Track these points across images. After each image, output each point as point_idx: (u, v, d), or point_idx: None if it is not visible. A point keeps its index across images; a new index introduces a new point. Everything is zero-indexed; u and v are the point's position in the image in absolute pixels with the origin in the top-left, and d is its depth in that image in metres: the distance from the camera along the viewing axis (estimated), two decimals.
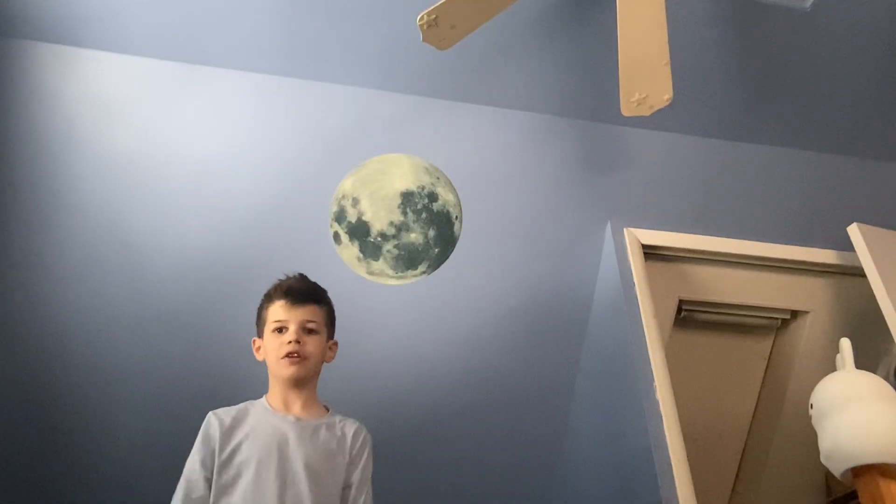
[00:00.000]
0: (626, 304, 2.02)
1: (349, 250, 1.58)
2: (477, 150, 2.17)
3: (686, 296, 2.34)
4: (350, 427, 1.57)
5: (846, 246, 2.14)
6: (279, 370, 1.52)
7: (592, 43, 2.00)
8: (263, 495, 1.37)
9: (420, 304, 2.19)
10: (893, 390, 1.85)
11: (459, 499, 2.33)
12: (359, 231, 1.53)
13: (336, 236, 1.61)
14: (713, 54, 2.07)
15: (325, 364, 1.62)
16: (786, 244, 2.27)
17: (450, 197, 1.60)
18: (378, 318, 2.17)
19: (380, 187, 1.55)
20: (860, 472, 1.75)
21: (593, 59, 2.04)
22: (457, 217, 1.63)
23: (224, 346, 2.05)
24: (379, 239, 1.53)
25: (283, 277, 1.64)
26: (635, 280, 2.06)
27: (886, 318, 1.94)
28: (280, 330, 1.55)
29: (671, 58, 1.67)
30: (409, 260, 1.62)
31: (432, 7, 1.61)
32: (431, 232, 1.57)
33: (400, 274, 1.83)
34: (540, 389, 2.30)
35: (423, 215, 1.59)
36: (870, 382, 1.87)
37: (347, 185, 1.56)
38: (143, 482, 2.11)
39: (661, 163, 2.27)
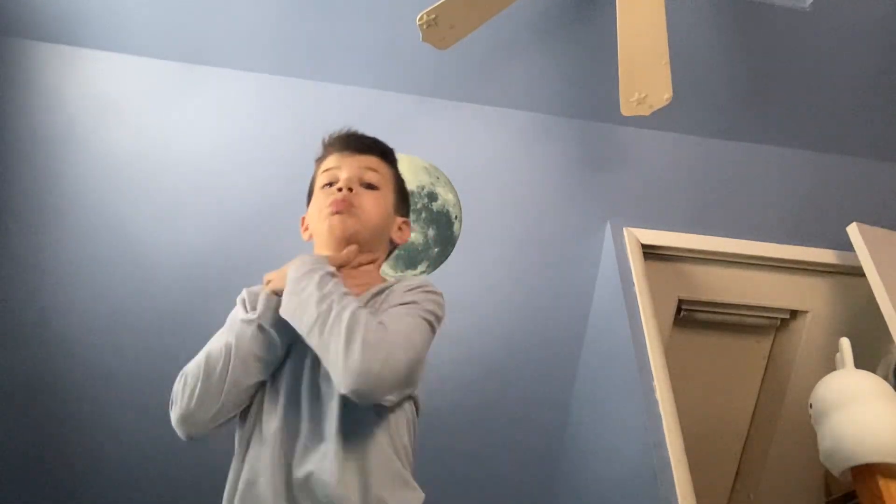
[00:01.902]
0: (625, 304, 2.02)
1: None
2: (476, 149, 2.18)
3: (685, 295, 2.34)
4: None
5: (846, 246, 2.14)
6: (321, 224, 1.15)
7: (592, 42, 2.00)
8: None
9: None
10: (893, 390, 1.85)
11: (458, 498, 2.33)
12: None
13: None
14: (713, 54, 2.07)
15: None
16: (785, 244, 2.27)
17: (449, 196, 1.60)
18: None
19: None
20: (859, 471, 1.75)
21: (593, 59, 2.05)
22: (456, 217, 1.63)
23: None
24: None
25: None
26: (635, 279, 2.06)
27: (886, 318, 1.94)
28: (330, 184, 1.19)
29: (671, 57, 1.67)
30: (408, 259, 1.63)
31: (432, 7, 1.61)
32: (431, 231, 1.58)
33: (400, 273, 1.83)
34: (539, 389, 2.30)
35: (423, 215, 1.60)
36: (869, 382, 1.87)
37: None
38: (144, 481, 2.11)
39: (661, 162, 2.27)
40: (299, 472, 0.97)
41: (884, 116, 2.26)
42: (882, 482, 1.70)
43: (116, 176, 2.03)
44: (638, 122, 2.15)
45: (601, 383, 2.15)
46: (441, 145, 2.14)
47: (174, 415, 1.00)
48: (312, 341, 0.95)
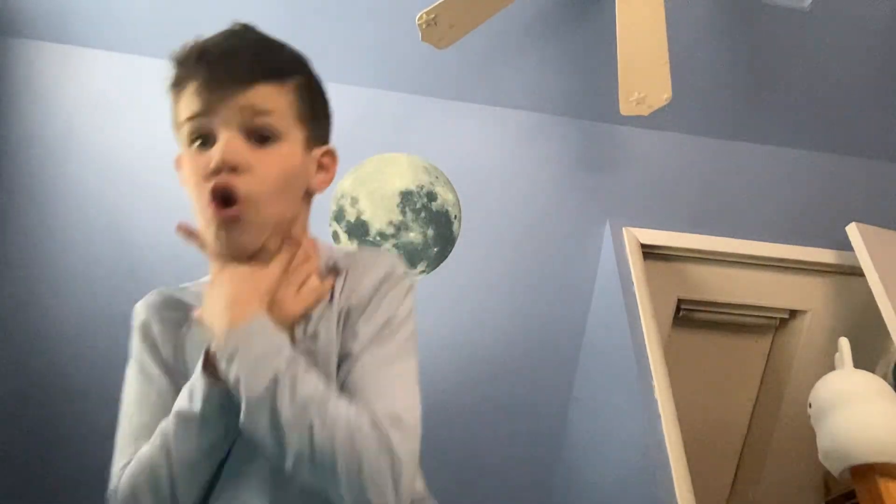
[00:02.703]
0: (624, 304, 2.02)
1: None
2: (476, 149, 2.18)
3: (685, 295, 2.34)
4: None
5: (845, 245, 2.14)
6: (205, 229, 0.81)
7: (591, 42, 2.00)
8: None
9: (418, 303, 2.19)
10: (892, 389, 1.85)
11: (457, 498, 2.33)
12: (358, 230, 1.54)
13: (335, 235, 1.61)
14: (712, 54, 2.07)
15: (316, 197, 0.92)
16: (785, 244, 2.27)
17: (449, 196, 1.60)
18: None
19: (379, 186, 1.55)
20: (859, 471, 1.75)
21: (592, 59, 2.04)
22: (456, 216, 1.63)
23: None
24: (378, 238, 1.53)
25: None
26: (634, 279, 2.06)
27: (885, 318, 1.94)
28: (202, 140, 0.81)
29: (670, 57, 1.67)
30: (408, 259, 1.63)
31: (431, 6, 1.61)
32: (430, 231, 1.58)
33: None
34: (538, 389, 2.30)
35: (422, 214, 1.60)
36: (869, 381, 1.87)
37: (346, 184, 1.56)
38: None
39: (660, 162, 2.27)
40: None
41: (883, 116, 2.26)
42: (881, 482, 1.70)
43: (115, 175, 2.03)
44: (637, 121, 2.15)
45: (600, 383, 2.15)
46: (440, 145, 2.13)
47: None
48: (296, 473, 0.74)
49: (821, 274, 2.33)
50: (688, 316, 2.40)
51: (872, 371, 2.01)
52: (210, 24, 1.99)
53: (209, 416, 0.77)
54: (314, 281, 0.85)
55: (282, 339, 0.77)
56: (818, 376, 1.98)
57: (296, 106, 0.86)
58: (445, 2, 1.60)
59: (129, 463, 0.83)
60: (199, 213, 0.81)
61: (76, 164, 2.01)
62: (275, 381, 0.73)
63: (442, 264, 1.73)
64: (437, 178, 1.60)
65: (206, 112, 0.80)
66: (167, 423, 0.80)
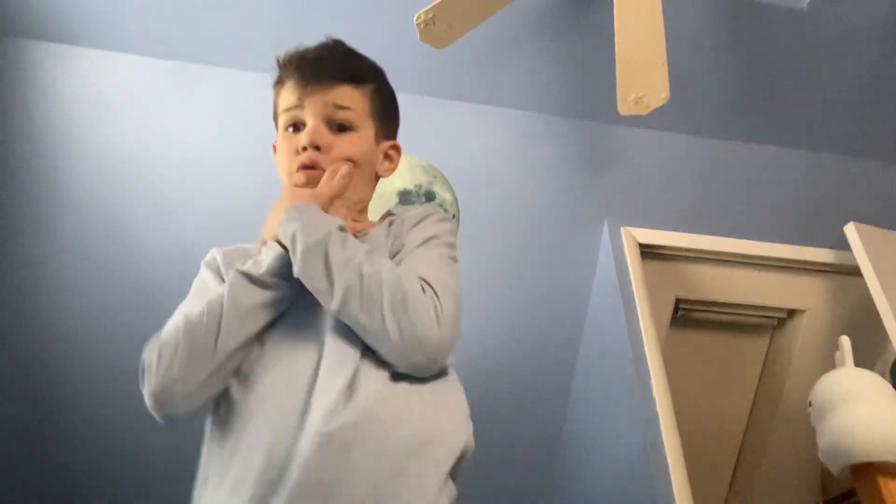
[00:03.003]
0: (622, 303, 2.02)
1: None
2: (474, 149, 2.18)
3: (683, 295, 2.34)
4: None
5: (843, 245, 2.15)
6: (291, 188, 1.01)
7: (589, 42, 2.00)
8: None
9: None
10: (892, 388, 1.86)
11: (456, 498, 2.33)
12: None
13: None
14: (710, 54, 2.07)
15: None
16: (782, 243, 2.28)
17: (447, 196, 1.60)
18: None
19: (378, 186, 1.55)
20: (859, 469, 1.75)
21: (590, 59, 2.05)
22: (454, 216, 1.63)
23: None
24: None
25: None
26: (632, 279, 2.07)
27: (882, 317, 1.95)
28: (295, 128, 1.04)
29: (668, 57, 1.67)
30: None
31: (429, 6, 1.61)
32: None
33: None
34: (536, 388, 2.30)
35: None
36: (869, 380, 1.87)
37: None
38: (142, 480, 2.10)
39: (658, 162, 2.27)
40: (331, 424, 0.78)
41: (881, 116, 2.27)
42: (882, 480, 1.70)
43: (115, 175, 2.03)
44: (635, 121, 2.15)
45: (598, 382, 2.15)
46: (438, 144, 2.13)
47: (149, 389, 0.83)
48: (347, 312, 0.83)
49: (819, 274, 2.34)
50: (686, 315, 2.41)
51: (871, 370, 2.01)
52: (209, 23, 1.99)
53: (271, 275, 0.88)
54: (337, 178, 0.98)
55: (335, 219, 0.90)
56: (816, 376, 1.98)
57: (369, 106, 1.08)
58: (443, 2, 1.60)
59: (157, 336, 0.88)
60: (283, 179, 1.04)
61: (76, 164, 2.01)
62: (328, 234, 0.86)
63: None
64: (435, 177, 1.60)
65: (299, 105, 1.02)
66: (226, 283, 0.89)
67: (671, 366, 1.99)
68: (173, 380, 0.83)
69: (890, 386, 1.85)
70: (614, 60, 1.70)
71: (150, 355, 0.85)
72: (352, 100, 1.04)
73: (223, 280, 0.96)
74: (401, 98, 2.12)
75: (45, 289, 2.03)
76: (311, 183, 0.98)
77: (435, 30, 1.65)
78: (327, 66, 1.03)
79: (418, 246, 0.97)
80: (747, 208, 2.32)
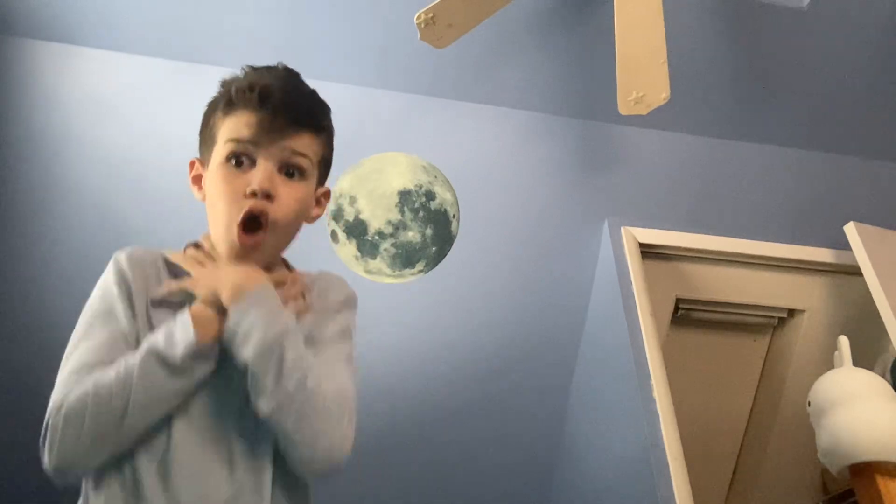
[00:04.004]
0: (623, 303, 2.02)
1: (346, 249, 1.58)
2: (474, 148, 2.17)
3: (683, 294, 2.34)
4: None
5: (843, 245, 2.14)
6: (225, 240, 0.96)
7: (589, 41, 2.00)
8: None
9: (417, 302, 2.19)
10: (891, 388, 1.86)
11: (456, 498, 2.33)
12: (356, 229, 1.53)
13: (333, 234, 1.61)
14: (710, 53, 2.07)
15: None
16: (783, 243, 2.28)
17: (447, 195, 1.60)
18: (374, 317, 2.17)
19: (377, 186, 1.55)
20: (858, 469, 1.76)
21: (590, 58, 2.05)
22: (454, 215, 1.63)
23: None
24: (376, 237, 1.53)
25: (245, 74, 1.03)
26: (632, 278, 2.07)
27: (882, 317, 1.95)
28: (238, 161, 0.95)
29: (668, 56, 1.67)
30: (406, 258, 1.63)
31: (430, 6, 1.61)
32: (429, 230, 1.57)
33: (397, 272, 1.83)
34: (537, 388, 2.30)
35: (421, 214, 1.59)
36: (868, 380, 1.87)
37: (345, 183, 1.56)
38: None
39: (659, 161, 2.27)
40: None
41: (881, 116, 2.26)
42: (880, 480, 1.71)
43: (113, 174, 2.03)
44: (635, 121, 2.15)
45: (599, 382, 2.15)
46: (438, 144, 2.13)
47: (49, 461, 0.80)
48: (275, 416, 0.83)
49: (819, 273, 2.34)
50: (686, 315, 2.41)
51: (870, 370, 2.01)
52: (207, 23, 1.99)
53: (186, 365, 0.84)
54: (301, 301, 0.98)
55: (290, 315, 0.90)
56: (816, 375, 1.98)
57: (321, 152, 1.03)
58: (444, 1, 1.60)
59: (58, 403, 0.83)
60: (220, 220, 0.95)
61: (75, 164, 2.01)
62: (285, 332, 0.85)
63: (440, 264, 1.73)
64: (435, 177, 1.59)
65: (254, 142, 0.94)
66: (134, 359, 0.84)
67: (671, 365, 2.00)
68: (76, 454, 0.81)
69: (889, 386, 1.85)
70: (614, 60, 1.70)
71: (56, 420, 0.81)
72: (309, 147, 0.99)
73: (132, 306, 0.92)
74: (400, 98, 2.14)
75: (45, 289, 2.03)
76: (251, 249, 0.93)
77: (435, 29, 1.65)
78: (293, 109, 0.97)
79: (335, 343, 0.97)
80: (748, 208, 2.31)
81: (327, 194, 1.09)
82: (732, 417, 2.59)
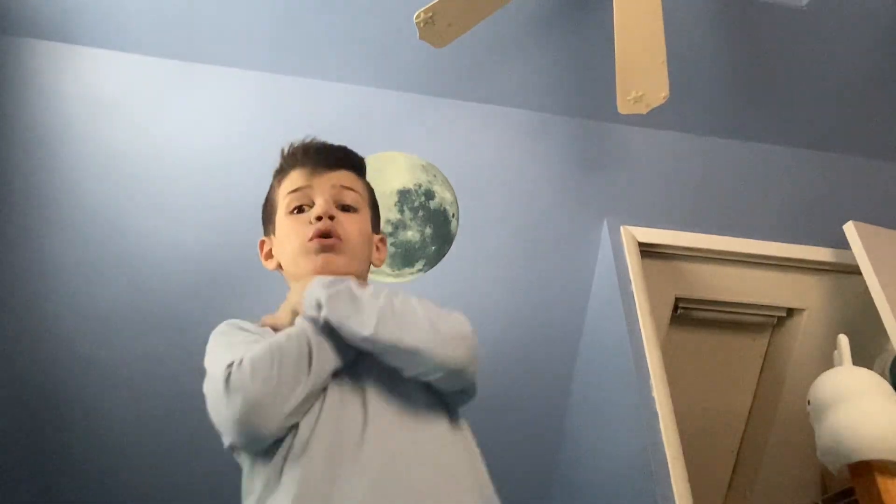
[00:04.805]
0: (622, 302, 2.02)
1: None
2: (473, 147, 2.17)
3: (682, 293, 2.34)
4: None
5: (842, 244, 2.15)
6: (304, 261, 1.01)
7: (589, 41, 2.00)
8: None
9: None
10: (891, 387, 1.86)
11: None
12: None
13: None
14: (710, 52, 2.07)
15: None
16: (782, 242, 2.28)
17: (446, 195, 1.60)
18: None
19: (376, 185, 1.54)
20: (857, 468, 1.76)
21: (590, 57, 2.05)
22: (453, 215, 1.63)
23: None
24: None
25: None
26: (632, 278, 2.07)
27: (882, 316, 1.95)
28: (300, 209, 1.06)
29: (668, 56, 1.67)
30: (405, 258, 1.63)
31: (429, 5, 1.61)
32: (428, 230, 1.58)
33: (397, 272, 1.83)
34: (536, 387, 2.30)
35: (420, 213, 1.59)
36: (868, 379, 1.88)
37: None
38: (140, 480, 2.11)
39: (658, 161, 2.27)
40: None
41: (880, 115, 2.26)
42: (879, 479, 1.71)
43: (113, 174, 2.03)
44: (635, 120, 2.15)
45: (598, 381, 2.15)
46: (438, 143, 2.13)
47: (235, 407, 0.79)
48: (380, 337, 0.85)
49: (818, 272, 2.34)
50: (686, 314, 2.41)
51: (870, 369, 2.01)
52: (208, 22, 1.99)
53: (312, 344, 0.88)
54: None
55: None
56: (815, 374, 1.99)
57: (366, 194, 1.14)
58: (443, 0, 1.60)
59: (237, 359, 0.84)
60: (295, 251, 1.03)
61: (75, 164, 2.00)
62: (348, 283, 0.91)
63: (439, 263, 1.73)
64: (434, 176, 1.59)
65: (307, 185, 1.06)
66: (300, 325, 0.91)
67: (671, 365, 2.00)
68: (270, 393, 0.80)
69: (888, 384, 1.86)
70: (614, 59, 1.70)
71: (238, 373, 0.81)
72: (355, 183, 1.11)
73: (254, 333, 0.97)
74: (400, 97, 2.14)
75: (44, 289, 2.03)
76: (328, 250, 1.01)
77: (434, 28, 1.65)
78: (333, 152, 1.12)
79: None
80: (747, 207, 2.31)
81: (384, 240, 1.18)
82: (732, 416, 2.60)
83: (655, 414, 1.77)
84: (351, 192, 1.09)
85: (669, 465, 1.67)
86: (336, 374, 0.89)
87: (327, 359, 0.87)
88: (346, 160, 1.12)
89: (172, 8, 1.92)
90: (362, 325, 0.86)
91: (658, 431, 1.74)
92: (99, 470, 2.11)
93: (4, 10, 1.90)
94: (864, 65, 2.12)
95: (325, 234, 1.00)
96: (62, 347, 2.05)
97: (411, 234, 1.55)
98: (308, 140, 1.13)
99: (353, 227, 1.05)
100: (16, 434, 2.08)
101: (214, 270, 2.05)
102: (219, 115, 2.07)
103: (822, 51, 2.07)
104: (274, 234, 1.10)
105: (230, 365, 0.83)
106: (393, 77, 2.10)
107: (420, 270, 1.66)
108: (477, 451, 0.99)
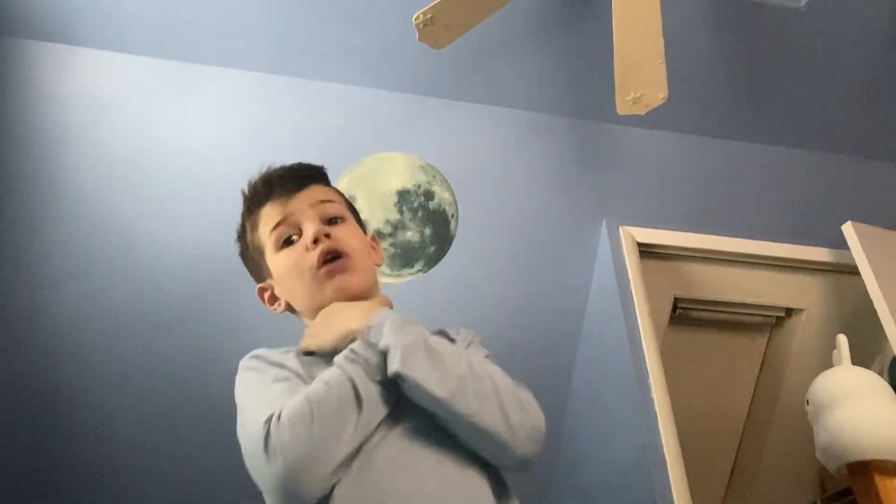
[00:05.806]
0: (621, 302, 2.02)
1: None
2: (472, 148, 2.18)
3: (681, 293, 2.35)
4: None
5: (841, 244, 2.15)
6: (317, 292, 0.97)
7: (588, 41, 2.01)
8: None
9: (416, 302, 2.19)
10: (889, 387, 1.86)
11: None
12: None
13: None
14: (708, 53, 2.07)
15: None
16: (781, 242, 2.28)
17: (446, 195, 1.60)
18: None
19: (375, 186, 1.55)
20: (856, 467, 1.76)
21: (588, 58, 2.05)
22: (453, 215, 1.63)
23: (223, 344, 2.05)
24: (375, 237, 1.53)
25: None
26: (631, 278, 2.07)
27: (880, 316, 1.95)
28: (288, 241, 1.01)
29: (666, 56, 1.68)
30: (405, 258, 1.63)
31: (428, 6, 1.61)
32: (427, 230, 1.58)
33: (396, 272, 1.84)
34: (535, 387, 2.28)
35: (419, 213, 1.59)
36: (866, 378, 1.88)
37: (343, 183, 1.56)
38: (141, 482, 2.11)
39: (657, 161, 2.27)
40: None
41: (878, 115, 2.27)
42: (878, 479, 1.71)
43: (112, 175, 2.03)
44: (633, 121, 2.15)
45: (597, 381, 2.15)
46: (437, 144, 2.14)
47: (276, 470, 0.74)
48: (455, 406, 0.80)
49: (817, 272, 2.34)
50: (684, 314, 2.41)
51: (868, 369, 2.01)
52: (208, 23, 1.98)
53: (376, 370, 0.84)
54: None
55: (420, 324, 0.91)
56: (814, 374, 1.99)
57: (343, 200, 1.12)
58: (442, 2, 1.60)
59: (275, 413, 0.79)
60: (301, 282, 0.98)
61: (75, 164, 2.01)
62: (422, 331, 0.86)
63: (439, 263, 1.73)
64: (434, 177, 1.60)
65: (286, 216, 1.02)
66: (336, 368, 0.84)
67: (670, 364, 2.00)
68: (312, 454, 0.75)
69: (886, 384, 1.86)
70: (613, 60, 1.71)
71: (277, 430, 0.76)
72: (330, 194, 1.08)
73: (286, 367, 0.90)
74: (399, 98, 2.14)
75: (43, 289, 2.03)
76: (339, 272, 0.97)
77: (433, 30, 1.65)
78: (296, 172, 1.08)
79: (484, 362, 0.95)
80: (745, 207, 2.32)
81: (374, 239, 1.16)
82: (730, 416, 2.60)
83: (654, 414, 1.78)
84: (332, 204, 1.06)
85: (668, 465, 1.68)
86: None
87: (377, 411, 0.82)
88: (311, 176, 1.09)
89: (172, 9, 1.92)
90: (438, 386, 0.81)
91: (657, 431, 1.74)
92: (99, 470, 2.11)
93: (4, 11, 1.90)
94: (863, 65, 2.13)
95: (330, 257, 0.97)
96: (62, 347, 2.05)
97: (411, 235, 1.55)
98: (264, 171, 1.09)
99: (351, 237, 1.03)
100: (16, 434, 2.08)
101: (214, 270, 2.06)
102: (219, 116, 2.07)
103: (820, 51, 2.08)
104: (271, 276, 1.06)
105: (268, 421, 0.77)
106: (392, 78, 2.10)
107: (419, 271, 1.66)
108: None
